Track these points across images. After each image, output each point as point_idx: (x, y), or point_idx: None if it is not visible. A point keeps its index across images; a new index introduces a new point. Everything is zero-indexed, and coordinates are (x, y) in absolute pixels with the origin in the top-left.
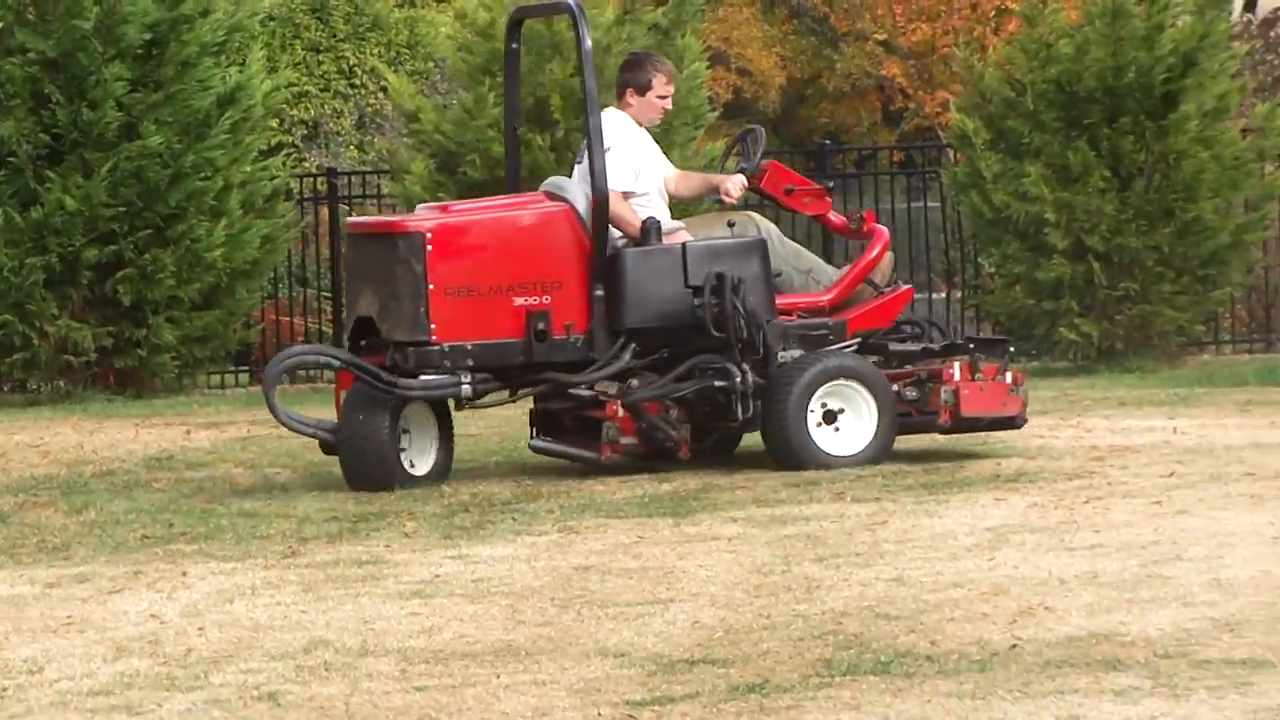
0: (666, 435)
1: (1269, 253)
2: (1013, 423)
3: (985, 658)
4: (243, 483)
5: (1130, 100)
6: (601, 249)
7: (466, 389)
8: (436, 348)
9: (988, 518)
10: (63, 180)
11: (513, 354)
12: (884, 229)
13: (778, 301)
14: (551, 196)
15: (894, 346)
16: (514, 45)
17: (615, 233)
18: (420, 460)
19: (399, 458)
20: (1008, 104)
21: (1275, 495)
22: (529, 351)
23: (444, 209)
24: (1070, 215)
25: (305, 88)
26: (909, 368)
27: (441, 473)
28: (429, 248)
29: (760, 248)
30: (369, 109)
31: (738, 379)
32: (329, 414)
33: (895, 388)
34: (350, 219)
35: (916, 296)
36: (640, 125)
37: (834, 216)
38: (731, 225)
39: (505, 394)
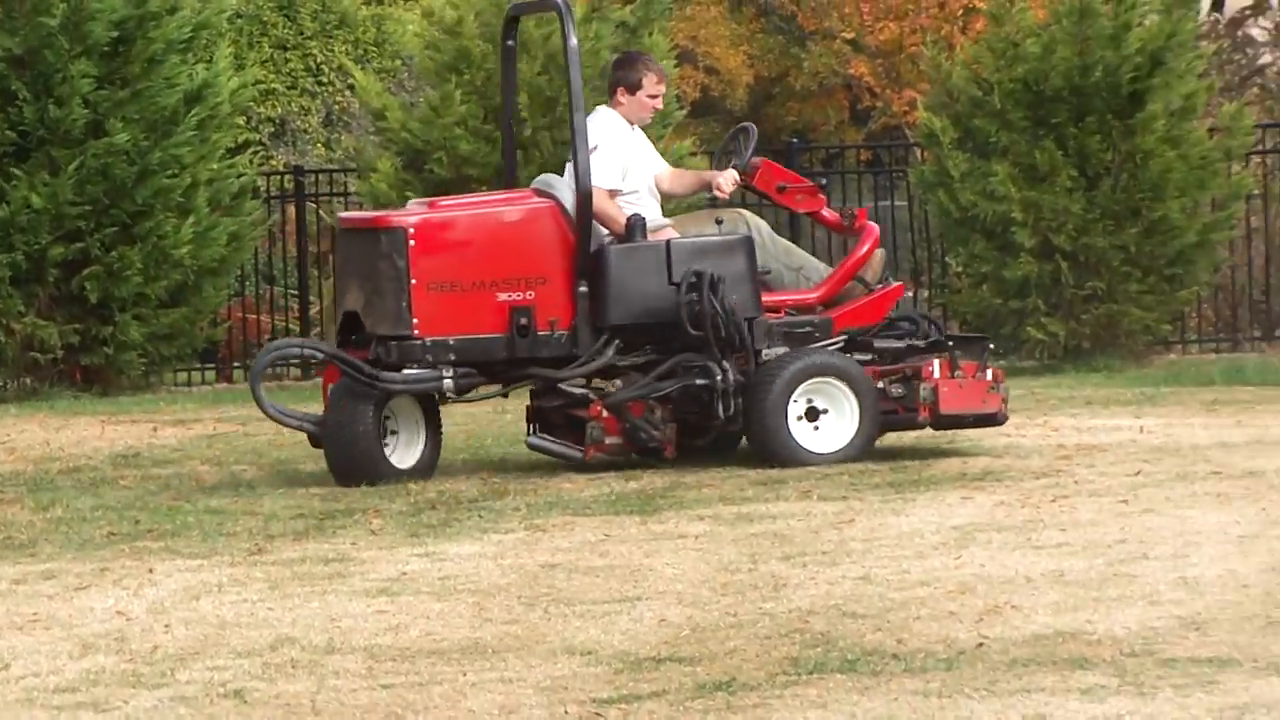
0: (650, 435)
1: (1235, 252)
2: (993, 420)
3: (952, 656)
4: (209, 480)
5: (1097, 99)
6: (586, 245)
7: (448, 383)
8: (418, 342)
9: (954, 516)
10: (29, 177)
11: (496, 349)
12: (875, 226)
13: (766, 299)
14: (540, 193)
15: (879, 343)
16: (509, 43)
17: (605, 230)
18: (407, 454)
19: (382, 451)
20: (975, 103)
21: (1241, 494)
22: (512, 347)
23: (432, 205)
24: (1037, 214)
25: (272, 85)
26: (896, 365)
27: (428, 468)
28: (411, 243)
29: (746, 245)
30: (336, 107)
31: (718, 377)
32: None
33: (880, 385)
34: (342, 214)
35: None
36: (631, 124)
37: (827, 213)
38: (719, 223)
39: (493, 389)
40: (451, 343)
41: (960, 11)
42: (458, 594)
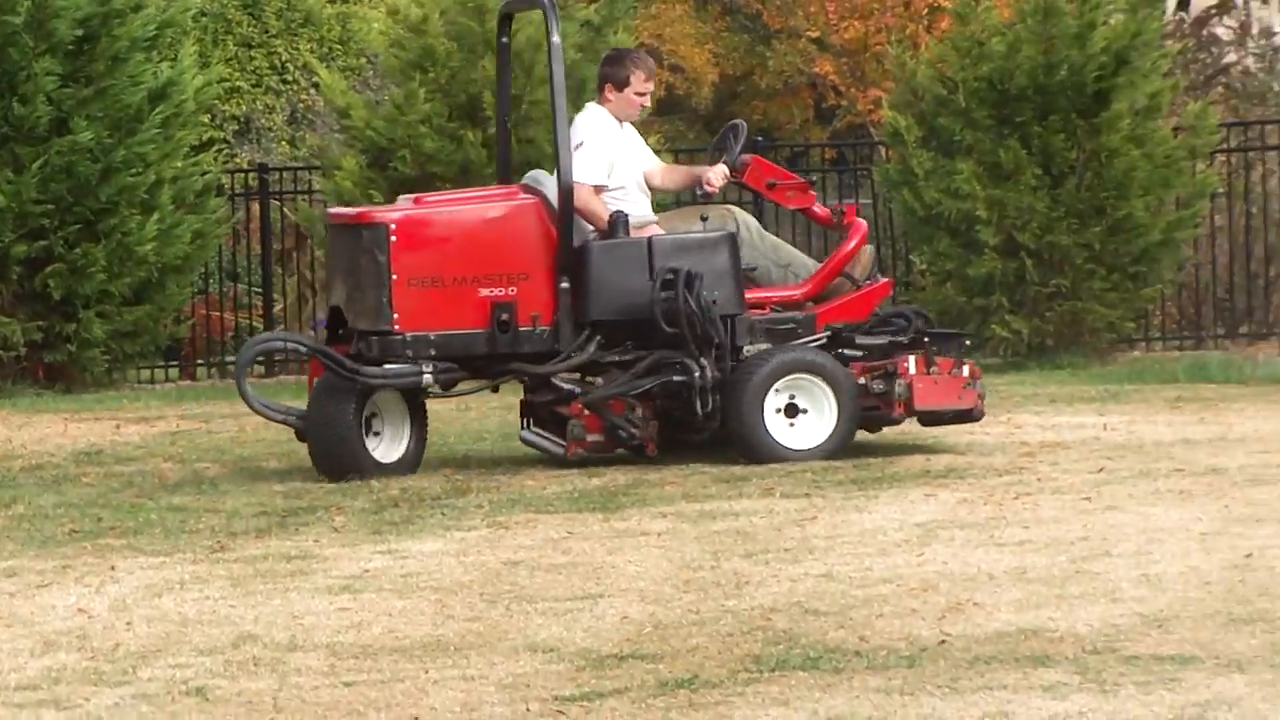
0: (630, 433)
1: (1199, 250)
2: (969, 415)
3: (914, 653)
4: (172, 477)
5: (1062, 98)
6: (568, 241)
7: (428, 378)
8: (399, 337)
9: (917, 513)
10: None
11: (477, 344)
12: (863, 223)
13: (752, 295)
14: (527, 190)
15: (860, 339)
16: (504, 40)
17: (590, 226)
18: (391, 449)
19: (364, 445)
20: (940, 102)
21: (1204, 491)
22: (493, 342)
23: (417, 201)
24: (1002, 212)
25: (237, 83)
26: (880, 361)
27: (412, 463)
28: (393, 239)
29: (729, 242)
30: (301, 105)
31: (697, 374)
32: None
33: (862, 381)
34: (331, 210)
35: None
36: (620, 120)
37: (818, 209)
38: (704, 220)
39: (476, 384)
40: (432, 338)
41: (925, 10)
42: (420, 591)
